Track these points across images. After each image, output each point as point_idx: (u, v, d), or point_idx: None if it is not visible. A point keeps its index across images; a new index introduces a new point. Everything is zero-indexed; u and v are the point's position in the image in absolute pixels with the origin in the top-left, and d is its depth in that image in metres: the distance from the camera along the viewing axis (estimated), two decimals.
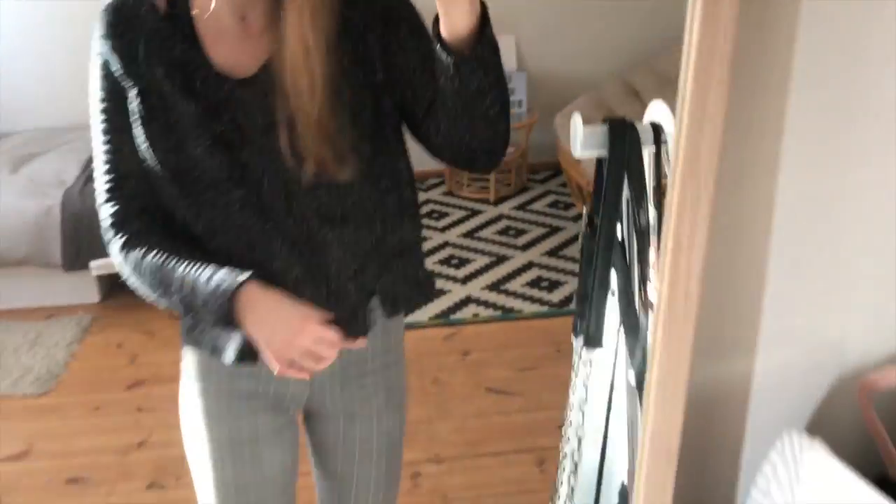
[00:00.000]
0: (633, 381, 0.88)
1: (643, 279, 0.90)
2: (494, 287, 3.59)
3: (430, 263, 3.76)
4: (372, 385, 1.30)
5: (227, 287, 1.06)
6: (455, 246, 3.93)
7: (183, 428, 1.30)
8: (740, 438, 0.78)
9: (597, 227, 0.91)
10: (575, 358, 1.05)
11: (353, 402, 1.30)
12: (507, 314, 3.40)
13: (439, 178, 4.53)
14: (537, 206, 4.28)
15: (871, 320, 0.74)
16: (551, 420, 2.78)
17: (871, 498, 0.59)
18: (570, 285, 3.55)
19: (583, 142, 0.92)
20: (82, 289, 3.39)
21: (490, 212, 4.25)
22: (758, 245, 0.73)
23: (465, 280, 3.64)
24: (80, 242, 3.22)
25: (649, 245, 0.90)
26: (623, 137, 0.90)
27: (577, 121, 0.93)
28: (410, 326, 3.31)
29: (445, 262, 3.79)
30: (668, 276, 0.61)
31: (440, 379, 3.01)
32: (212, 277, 1.08)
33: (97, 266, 3.24)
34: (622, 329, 0.90)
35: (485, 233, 4.04)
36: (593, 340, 0.92)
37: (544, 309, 3.42)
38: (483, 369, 3.08)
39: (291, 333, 1.05)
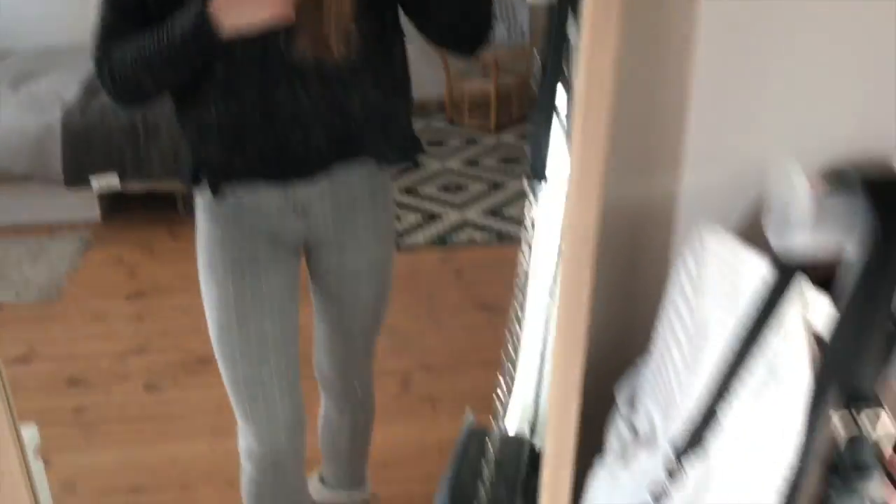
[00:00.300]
0: None
1: None
2: (491, 212, 3.62)
3: (429, 189, 3.79)
4: (361, 221, 1.45)
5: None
6: (454, 173, 3.96)
7: (198, 262, 1.43)
8: (667, 254, 0.82)
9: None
10: (527, 203, 1.10)
11: (344, 235, 1.45)
12: (502, 238, 3.44)
13: (440, 107, 4.54)
14: None
15: (791, 140, 0.77)
16: None
17: (765, 267, 0.62)
18: None
19: None
20: (84, 206, 3.45)
21: (490, 140, 4.26)
22: (682, 63, 0.76)
23: (463, 206, 3.67)
24: (80, 159, 3.27)
25: None
26: None
27: None
28: (408, 248, 3.38)
29: (444, 188, 3.82)
30: (583, 72, 0.64)
31: (434, 296, 3.07)
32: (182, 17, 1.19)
33: (98, 183, 3.30)
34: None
35: (484, 161, 4.06)
36: (537, 172, 0.96)
37: None
38: (475, 287, 3.13)
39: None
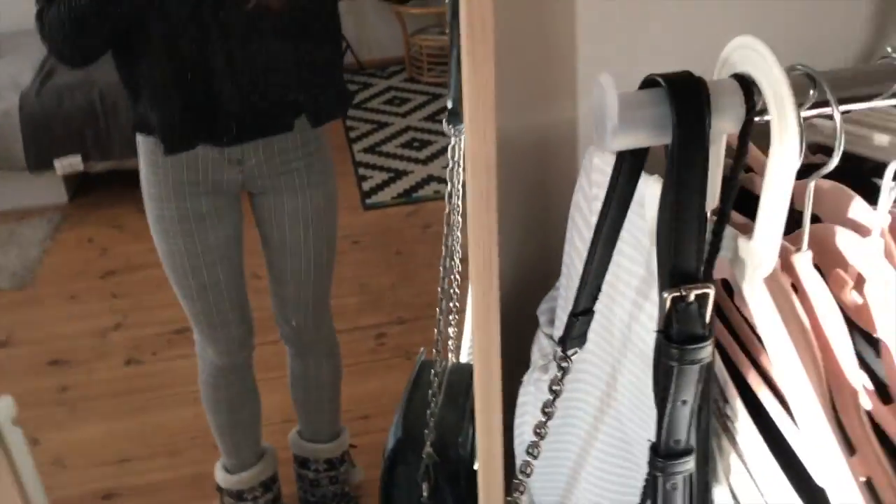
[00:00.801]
0: None
1: None
2: None
3: (393, 147, 3.82)
4: (295, 170, 1.52)
5: None
6: (417, 129, 3.98)
7: (147, 216, 1.53)
8: (572, 178, 0.88)
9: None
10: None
11: (279, 182, 1.53)
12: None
13: (400, 65, 4.54)
14: None
15: (680, 56, 0.82)
16: None
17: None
18: None
19: None
20: (50, 190, 3.46)
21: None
22: None
23: (427, 161, 3.71)
24: (41, 143, 3.27)
25: None
26: None
27: None
28: (374, 206, 3.43)
29: (407, 145, 3.85)
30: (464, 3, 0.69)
31: (403, 251, 3.13)
32: None
33: (62, 165, 3.30)
34: None
35: (444, 116, 4.09)
36: (453, 115, 1.01)
37: None
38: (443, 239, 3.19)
39: None
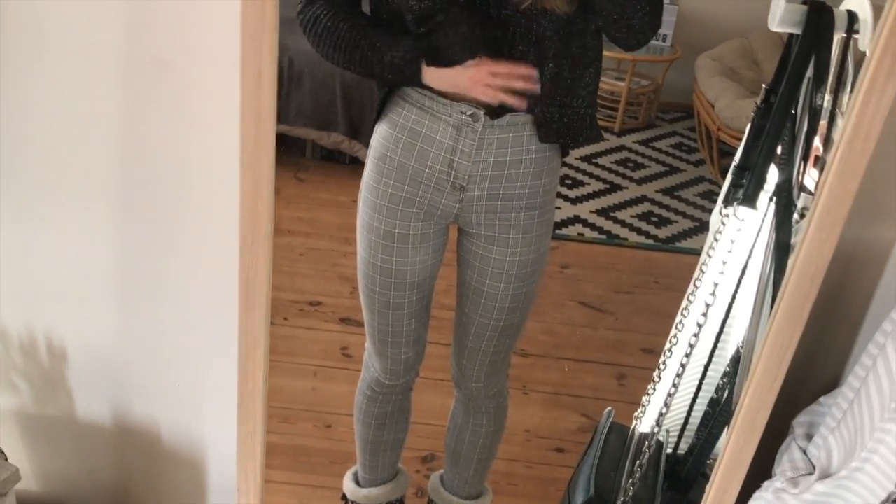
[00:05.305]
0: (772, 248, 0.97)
1: (805, 158, 0.97)
2: (603, 213, 3.64)
3: None
4: (514, 219, 1.45)
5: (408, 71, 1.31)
6: (571, 167, 3.97)
7: (357, 217, 1.53)
8: (868, 300, 0.85)
9: (772, 103, 0.97)
10: (715, 226, 1.13)
11: (493, 229, 1.46)
12: (612, 239, 3.46)
13: None
14: (661, 144, 4.26)
15: None
16: (637, 342, 2.87)
17: None
18: (680, 224, 3.58)
19: (781, 17, 0.98)
20: None
21: (612, 141, 4.25)
22: None
23: (576, 201, 3.70)
24: None
25: (817, 129, 0.96)
26: (820, 17, 0.95)
27: None
28: None
29: (559, 182, 3.84)
30: (854, 114, 0.68)
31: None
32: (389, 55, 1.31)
33: None
34: (775, 199, 0.98)
35: (603, 160, 4.07)
36: (749, 200, 0.99)
37: (650, 242, 3.46)
38: (579, 284, 3.17)
39: (468, 76, 1.29)
